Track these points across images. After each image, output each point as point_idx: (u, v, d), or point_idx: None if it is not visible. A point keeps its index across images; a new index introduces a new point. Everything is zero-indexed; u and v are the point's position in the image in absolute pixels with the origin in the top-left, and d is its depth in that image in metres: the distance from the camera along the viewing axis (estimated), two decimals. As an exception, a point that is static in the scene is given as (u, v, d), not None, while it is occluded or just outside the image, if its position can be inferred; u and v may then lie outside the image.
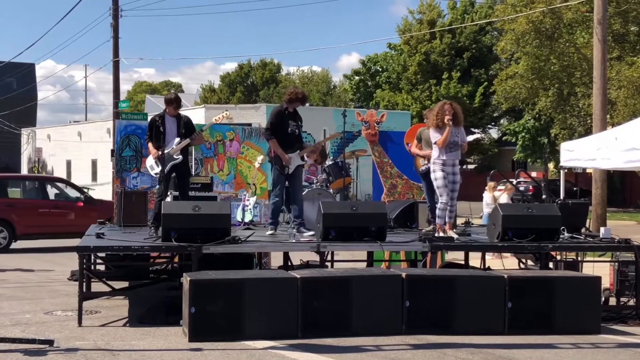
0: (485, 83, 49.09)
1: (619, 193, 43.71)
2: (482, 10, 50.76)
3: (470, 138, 12.11)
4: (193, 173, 13.79)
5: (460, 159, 10.72)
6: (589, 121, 30.49)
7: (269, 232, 11.09)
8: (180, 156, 11.04)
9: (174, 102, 11.14)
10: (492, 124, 57.86)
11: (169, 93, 11.84)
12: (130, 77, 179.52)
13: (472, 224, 14.14)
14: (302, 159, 11.35)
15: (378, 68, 59.52)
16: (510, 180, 21.64)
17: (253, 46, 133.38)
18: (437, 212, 10.59)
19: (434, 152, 10.57)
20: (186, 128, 11.12)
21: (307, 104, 44.99)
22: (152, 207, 12.06)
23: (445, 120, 10.33)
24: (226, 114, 11.81)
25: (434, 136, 10.51)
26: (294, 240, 10.05)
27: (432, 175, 10.64)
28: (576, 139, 21.61)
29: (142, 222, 12.16)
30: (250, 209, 13.01)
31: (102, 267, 11.53)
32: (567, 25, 34.13)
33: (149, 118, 26.08)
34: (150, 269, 11.45)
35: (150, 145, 11.16)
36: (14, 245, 19.07)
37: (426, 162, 11.45)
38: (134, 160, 14.88)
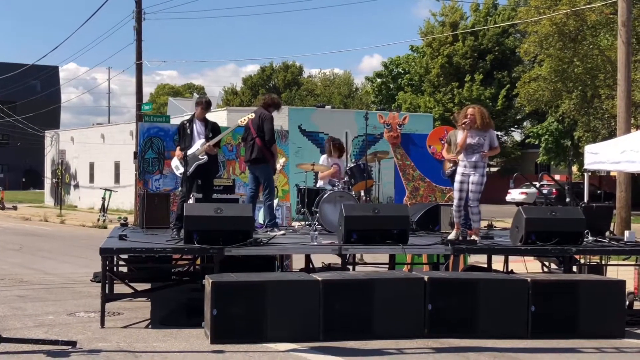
0: (508, 85, 48.85)
1: (644, 196, 43.28)
2: (505, 12, 50.55)
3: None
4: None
5: (482, 162, 10.69)
6: (613, 124, 30.28)
7: (281, 232, 11.43)
8: (206, 157, 11.14)
9: (203, 104, 11.43)
10: (515, 126, 57.62)
11: (201, 96, 12.12)
12: (153, 79, 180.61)
13: (495, 226, 14.07)
14: None
15: (400, 70, 59.44)
16: (534, 183, 21.51)
17: (275, 48, 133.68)
18: (452, 211, 10.90)
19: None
20: (213, 132, 11.32)
21: (330, 106, 45.01)
22: (174, 209, 12.10)
23: (462, 125, 10.53)
24: (250, 116, 11.86)
25: (458, 138, 10.76)
26: (315, 243, 10.04)
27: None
28: (600, 141, 21.47)
29: (164, 224, 12.21)
30: (272, 211, 13.00)
31: (124, 269, 11.58)
32: (591, 27, 33.90)
33: (172, 121, 26.28)
34: (173, 270, 11.46)
35: (177, 148, 11.38)
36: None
37: (451, 165, 11.58)
38: (156, 162, 14.95)
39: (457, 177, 10.73)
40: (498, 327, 8.84)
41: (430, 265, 12.98)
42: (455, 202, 10.77)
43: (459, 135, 10.77)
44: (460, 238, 10.50)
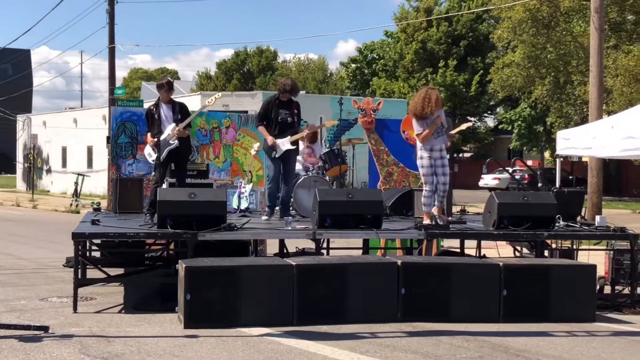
0: (482, 71, 49.03)
1: (615, 182, 43.78)
2: (479, -2, 50.69)
3: (464, 127, 12.14)
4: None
5: (446, 145, 10.68)
6: (585, 109, 30.51)
7: (264, 217, 11.45)
8: (177, 141, 11.02)
9: (164, 87, 11.14)
10: (488, 112, 57.91)
11: (162, 78, 11.89)
12: (126, 63, 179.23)
13: (468, 211, 14.15)
14: (294, 143, 11.63)
15: (375, 56, 59.47)
16: (507, 168, 21.65)
17: (249, 33, 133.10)
18: (423, 199, 10.64)
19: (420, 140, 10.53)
20: (182, 113, 11.13)
21: (305, 91, 44.90)
22: (147, 193, 12.04)
23: (434, 116, 10.33)
24: (217, 96, 11.82)
25: (418, 129, 10.47)
26: (289, 228, 10.05)
27: (419, 162, 10.66)
28: (572, 127, 21.61)
29: (137, 208, 12.15)
30: (246, 196, 12.99)
31: (97, 254, 11.52)
32: (564, 13, 34.13)
33: (145, 105, 26.09)
34: (146, 255, 11.42)
35: (148, 135, 11.19)
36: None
37: None
38: (129, 147, 14.86)
39: (426, 162, 10.48)
40: (470, 311, 8.90)
41: (403, 250, 13.02)
42: (428, 187, 10.53)
43: (416, 122, 10.46)
44: (433, 223, 10.50)
